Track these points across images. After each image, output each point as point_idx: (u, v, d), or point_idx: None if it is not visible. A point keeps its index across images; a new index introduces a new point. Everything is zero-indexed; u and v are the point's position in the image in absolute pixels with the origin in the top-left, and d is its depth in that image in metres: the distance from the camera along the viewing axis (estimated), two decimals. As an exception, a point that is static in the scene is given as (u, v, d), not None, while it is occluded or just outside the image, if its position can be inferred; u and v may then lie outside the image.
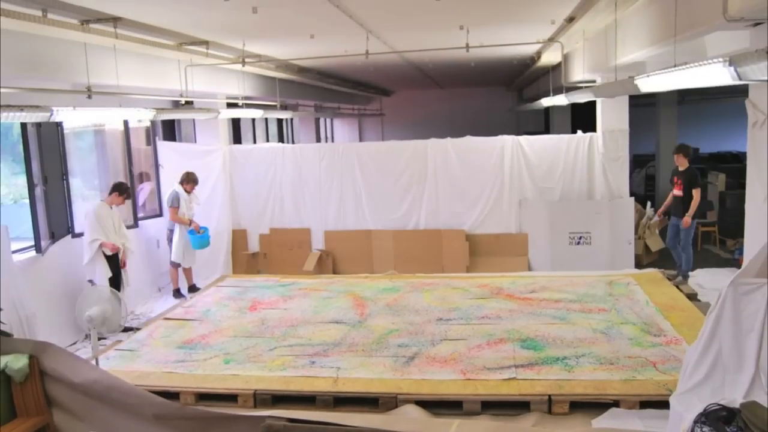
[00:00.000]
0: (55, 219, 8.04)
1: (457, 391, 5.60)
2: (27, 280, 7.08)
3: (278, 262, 11.24)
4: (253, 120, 15.62)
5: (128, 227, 9.25)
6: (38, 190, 7.79)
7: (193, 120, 11.89)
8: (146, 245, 9.91)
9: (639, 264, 10.45)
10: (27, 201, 7.88)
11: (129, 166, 9.30)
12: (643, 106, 16.03)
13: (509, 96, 23.67)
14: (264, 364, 6.34)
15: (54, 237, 8.03)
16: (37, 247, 7.76)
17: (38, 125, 7.72)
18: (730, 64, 3.74)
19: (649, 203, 11.54)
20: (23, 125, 7.65)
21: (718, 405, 3.84)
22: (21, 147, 7.79)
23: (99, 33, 6.54)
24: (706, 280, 9.61)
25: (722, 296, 4.22)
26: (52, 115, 5.94)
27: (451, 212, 10.88)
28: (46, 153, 7.92)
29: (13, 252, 7.17)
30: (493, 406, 5.44)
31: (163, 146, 10.44)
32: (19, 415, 4.95)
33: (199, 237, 9.71)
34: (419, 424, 4.75)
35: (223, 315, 8.04)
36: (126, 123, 9.05)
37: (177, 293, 9.76)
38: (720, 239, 12.13)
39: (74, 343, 7.74)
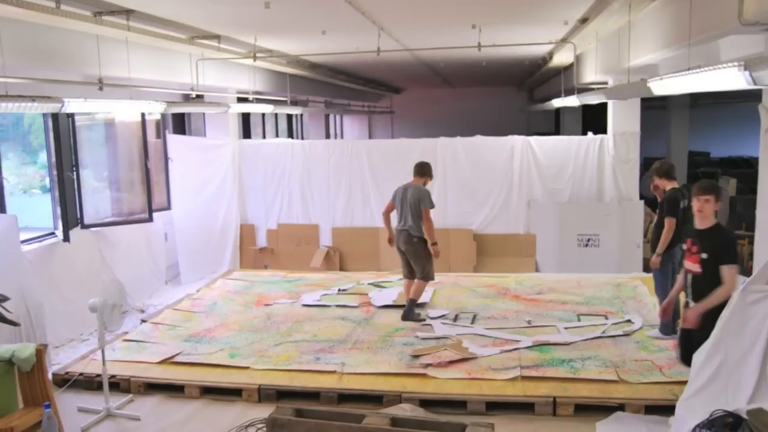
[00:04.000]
0: (67, 210, 8.10)
1: (462, 391, 5.59)
2: (36, 270, 7.11)
3: (285, 258, 11.25)
4: (263, 115, 15.62)
5: (143, 221, 9.30)
6: (59, 178, 7.84)
7: (204, 114, 11.91)
8: (154, 238, 9.92)
9: (647, 267, 10.37)
10: (36, 191, 7.94)
11: (145, 160, 9.28)
12: (654, 108, 15.94)
13: (520, 96, 23.60)
14: (269, 359, 6.35)
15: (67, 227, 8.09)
16: (65, 236, 7.90)
17: (54, 116, 7.80)
18: (744, 69, 3.70)
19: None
20: (44, 116, 7.73)
21: (725, 411, 3.82)
22: (31, 138, 7.85)
23: (111, 25, 6.55)
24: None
25: (732, 303, 4.19)
26: (63, 106, 5.96)
27: (459, 211, 10.86)
28: (60, 144, 8.00)
29: (24, 242, 7.21)
30: (497, 407, 5.43)
31: (173, 139, 10.46)
32: (25, 404, 4.98)
33: None
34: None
35: (229, 309, 8.06)
36: (143, 115, 9.07)
37: None
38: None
39: (82, 334, 7.77)
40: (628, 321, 7.22)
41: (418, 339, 6.80)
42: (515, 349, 6.43)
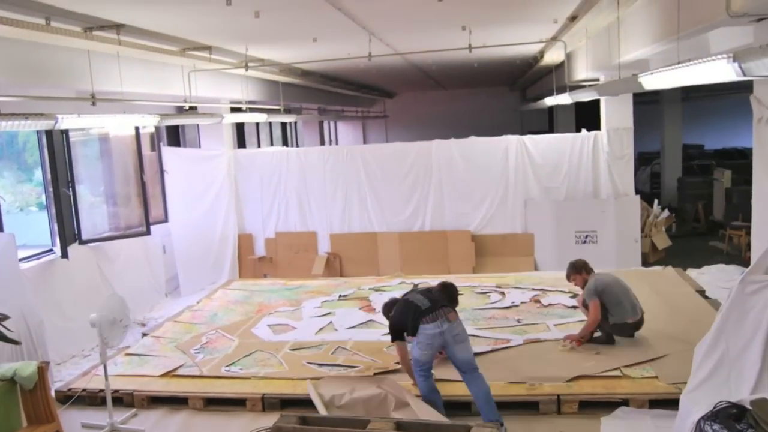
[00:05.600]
0: (64, 226, 8.09)
1: (466, 392, 5.58)
2: (35, 287, 7.10)
3: (284, 266, 11.25)
4: (257, 124, 15.63)
5: (141, 234, 9.30)
6: (55, 195, 7.83)
7: (198, 125, 11.92)
8: (152, 251, 9.92)
9: (646, 262, 10.42)
10: (33, 209, 7.94)
11: (140, 173, 9.29)
12: (647, 103, 16.00)
13: (513, 96, 23.66)
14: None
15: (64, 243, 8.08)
16: (64, 253, 7.90)
17: (48, 133, 7.80)
18: (734, 60, 3.72)
19: (655, 201, 11.52)
20: (38, 133, 7.75)
21: (729, 402, 3.82)
22: (26, 155, 7.86)
23: (102, 40, 6.56)
24: (715, 276, 9.57)
25: (732, 294, 4.20)
26: (56, 122, 5.96)
27: (456, 213, 10.87)
28: (55, 160, 8.00)
29: (22, 260, 7.20)
30: (502, 406, 5.42)
31: (168, 152, 10.46)
32: (29, 422, 4.96)
33: None
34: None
35: (230, 319, 8.04)
36: (137, 129, 9.07)
37: None
38: (728, 236, 12.07)
39: (83, 350, 7.76)
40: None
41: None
42: (507, 347, 6.44)
